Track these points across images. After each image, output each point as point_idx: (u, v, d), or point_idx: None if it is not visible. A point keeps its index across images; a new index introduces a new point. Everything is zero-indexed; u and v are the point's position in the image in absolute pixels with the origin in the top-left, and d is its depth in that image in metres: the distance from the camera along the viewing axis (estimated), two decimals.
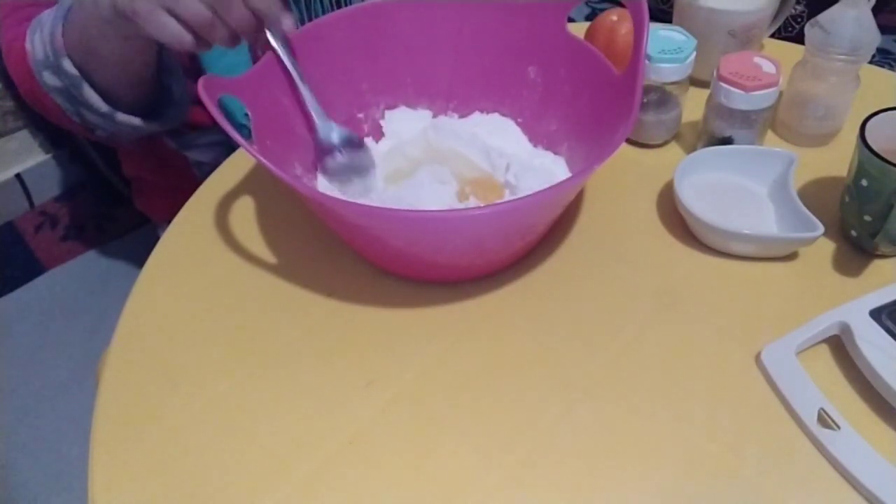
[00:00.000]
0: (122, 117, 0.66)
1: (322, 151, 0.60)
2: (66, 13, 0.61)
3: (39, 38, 0.63)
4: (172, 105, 0.70)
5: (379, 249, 0.54)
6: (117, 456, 0.45)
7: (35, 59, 0.63)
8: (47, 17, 0.63)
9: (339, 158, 0.60)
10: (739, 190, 0.59)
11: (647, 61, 0.60)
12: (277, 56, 0.56)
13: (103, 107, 0.65)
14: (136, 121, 0.67)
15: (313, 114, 0.59)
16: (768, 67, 0.59)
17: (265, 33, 0.55)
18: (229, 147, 0.72)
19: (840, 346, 0.49)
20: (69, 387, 1.12)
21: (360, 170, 0.60)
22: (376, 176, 0.61)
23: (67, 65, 0.62)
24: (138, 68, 0.64)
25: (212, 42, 0.53)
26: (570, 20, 0.60)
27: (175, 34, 0.52)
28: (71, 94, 0.65)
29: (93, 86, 0.64)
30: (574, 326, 0.52)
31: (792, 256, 0.56)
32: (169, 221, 0.61)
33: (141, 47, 0.61)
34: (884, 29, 0.60)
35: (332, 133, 0.60)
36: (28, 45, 0.64)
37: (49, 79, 0.64)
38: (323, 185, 0.59)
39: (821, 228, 0.53)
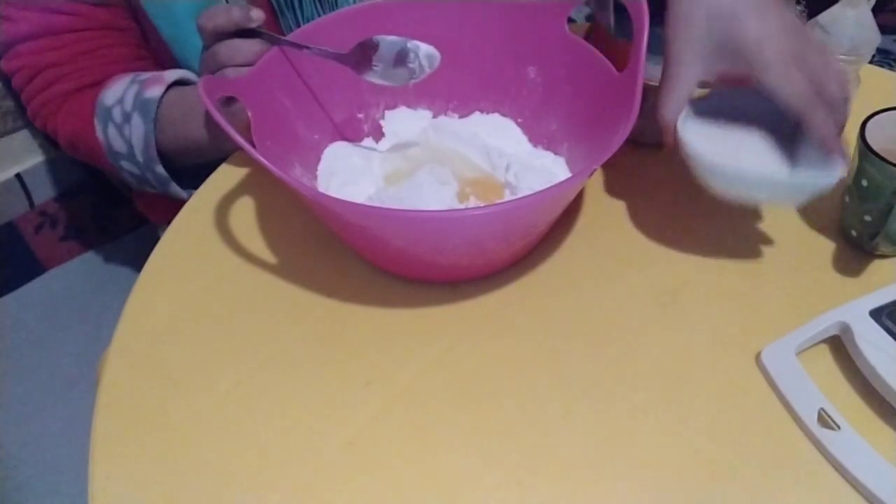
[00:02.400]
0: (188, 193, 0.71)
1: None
2: (154, 119, 0.65)
3: (117, 133, 0.66)
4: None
5: (379, 249, 0.54)
6: (117, 456, 0.45)
7: (112, 151, 0.68)
8: (117, 109, 0.66)
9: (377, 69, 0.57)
10: (751, 132, 0.54)
11: (646, 61, 0.60)
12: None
13: (184, 195, 0.70)
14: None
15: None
16: None
17: None
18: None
19: (840, 346, 0.49)
20: (69, 387, 1.12)
21: (402, 73, 0.57)
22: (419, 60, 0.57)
23: (160, 169, 0.67)
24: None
25: None
26: (571, 20, 0.60)
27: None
28: (147, 181, 0.69)
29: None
30: (574, 326, 0.52)
31: (792, 255, 0.56)
32: (169, 222, 0.61)
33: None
34: (884, 29, 0.60)
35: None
36: (100, 136, 0.68)
37: (128, 166, 0.69)
38: (323, 185, 0.59)
39: (837, 173, 0.49)
